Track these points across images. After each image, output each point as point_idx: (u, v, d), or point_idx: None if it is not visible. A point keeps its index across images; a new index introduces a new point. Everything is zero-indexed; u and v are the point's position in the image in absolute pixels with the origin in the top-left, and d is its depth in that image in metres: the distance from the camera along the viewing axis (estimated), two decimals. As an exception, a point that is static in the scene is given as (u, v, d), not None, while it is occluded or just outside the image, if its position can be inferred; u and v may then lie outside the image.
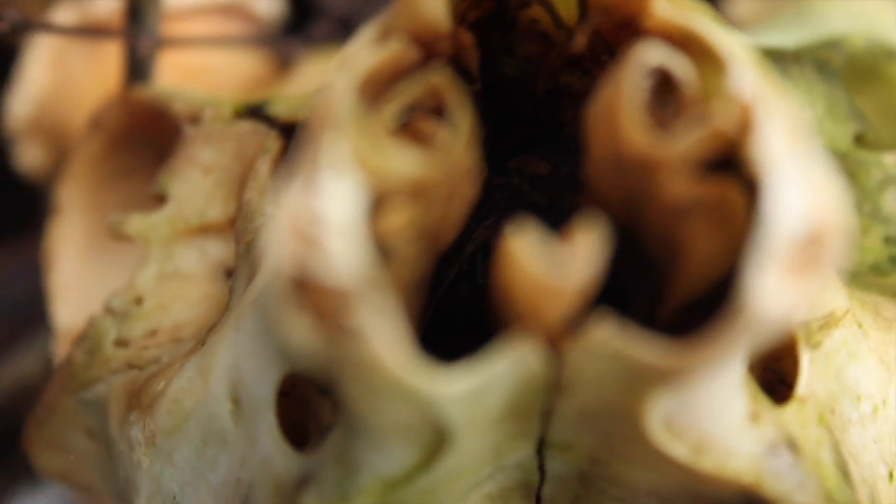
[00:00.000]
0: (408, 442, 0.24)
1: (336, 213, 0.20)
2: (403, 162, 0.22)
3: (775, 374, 0.30)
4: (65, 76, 0.48)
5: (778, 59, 0.35)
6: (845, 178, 0.35)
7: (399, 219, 0.22)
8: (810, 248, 0.21)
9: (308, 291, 0.20)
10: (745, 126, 0.22)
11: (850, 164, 0.35)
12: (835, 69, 0.36)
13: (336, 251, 0.20)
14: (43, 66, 0.48)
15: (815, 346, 0.29)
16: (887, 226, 0.35)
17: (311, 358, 0.22)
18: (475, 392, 0.23)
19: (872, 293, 0.32)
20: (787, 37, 0.42)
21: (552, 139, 0.31)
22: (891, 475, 0.30)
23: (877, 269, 0.34)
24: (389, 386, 0.22)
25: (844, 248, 0.21)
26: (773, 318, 0.21)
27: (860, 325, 0.30)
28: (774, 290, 0.21)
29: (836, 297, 0.30)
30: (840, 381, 0.29)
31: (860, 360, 0.30)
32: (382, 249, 0.22)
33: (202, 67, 0.47)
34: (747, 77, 0.22)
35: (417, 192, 0.22)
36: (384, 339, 0.21)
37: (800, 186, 0.21)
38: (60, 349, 0.39)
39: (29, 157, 0.49)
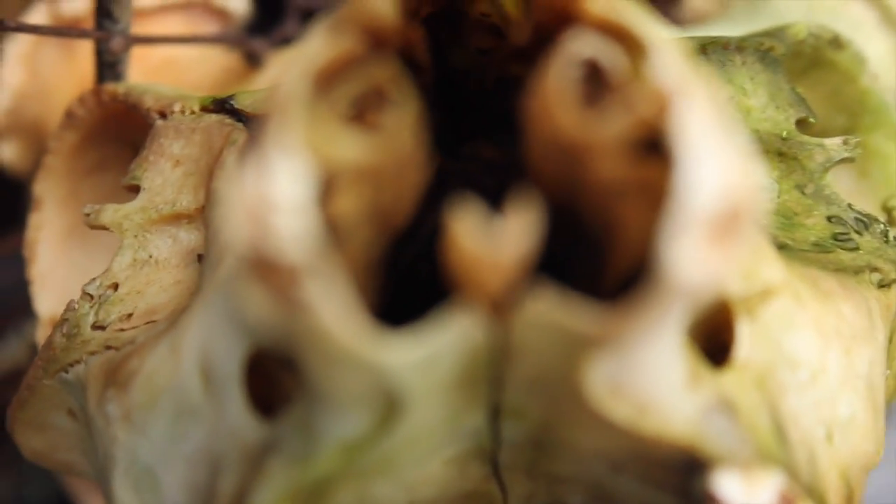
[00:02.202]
0: (363, 408, 0.26)
1: (286, 195, 0.22)
2: (351, 147, 0.24)
3: (718, 346, 0.32)
4: (40, 75, 0.49)
5: (722, 48, 0.36)
6: (789, 162, 0.36)
7: (349, 201, 0.24)
8: (727, 221, 0.23)
9: (262, 269, 0.22)
10: (664, 110, 0.24)
11: (792, 147, 0.36)
12: (777, 58, 0.37)
13: (285, 230, 0.22)
14: (19, 65, 0.49)
15: (753, 316, 0.30)
16: (829, 206, 0.36)
17: (269, 331, 0.24)
18: (424, 360, 0.24)
19: (813, 268, 0.34)
20: (738, 29, 0.43)
21: (502, 126, 0.32)
22: (829, 437, 0.32)
23: (820, 247, 0.35)
24: (341, 355, 0.23)
25: (760, 222, 0.23)
26: (695, 286, 0.23)
27: (798, 297, 0.32)
28: (693, 259, 0.22)
29: (773, 270, 0.31)
30: (778, 349, 0.31)
31: (798, 330, 0.31)
32: (335, 231, 0.24)
33: (173, 63, 0.49)
34: (669, 64, 0.24)
35: (366, 175, 0.24)
36: (333, 310, 0.22)
37: (716, 163, 0.22)
38: (43, 335, 0.41)
39: (8, 154, 0.50)
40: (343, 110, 0.25)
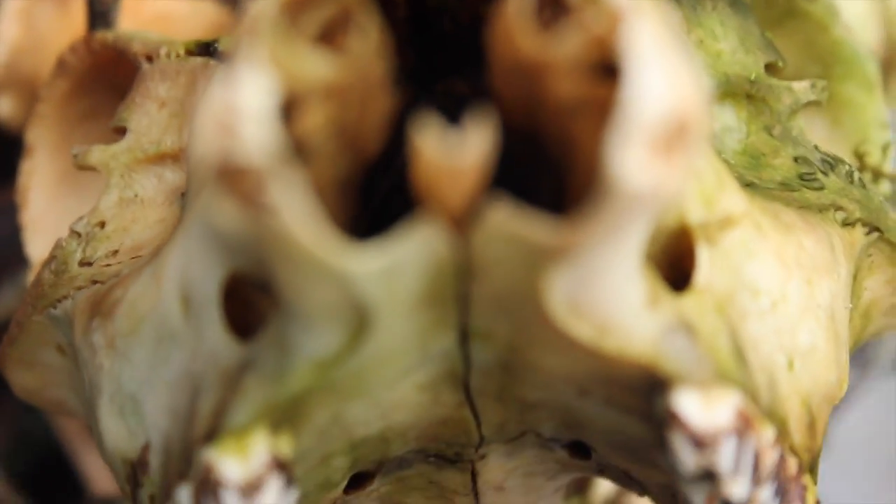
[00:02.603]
0: (333, 324, 0.27)
1: (251, 104, 0.23)
2: (316, 64, 0.25)
3: (681, 275, 0.33)
4: (36, 29, 0.49)
5: None
6: (757, 104, 0.37)
7: (315, 117, 0.25)
8: (673, 131, 0.24)
9: (229, 175, 0.23)
10: (617, 27, 0.25)
11: (760, 89, 0.37)
12: (747, 3, 0.38)
13: (251, 136, 0.23)
14: (14, 20, 0.50)
15: (713, 243, 0.31)
16: (796, 147, 0.37)
17: (240, 242, 0.25)
18: (387, 269, 0.26)
19: (776, 203, 0.35)
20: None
21: (476, 64, 0.34)
22: (790, 364, 0.33)
23: (786, 186, 0.36)
24: (307, 261, 0.25)
25: (705, 135, 0.24)
26: (643, 194, 0.24)
27: (759, 228, 0.33)
28: (640, 168, 0.24)
29: (735, 199, 0.32)
30: (738, 276, 0.32)
31: (759, 259, 0.32)
32: (302, 147, 0.25)
33: (164, 17, 0.50)
34: (620, -15, 0.25)
35: (330, 93, 0.25)
36: (296, 214, 0.23)
37: (661, 76, 0.24)
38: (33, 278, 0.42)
39: (4, 108, 0.51)
40: (311, 33, 0.26)
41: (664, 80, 0.24)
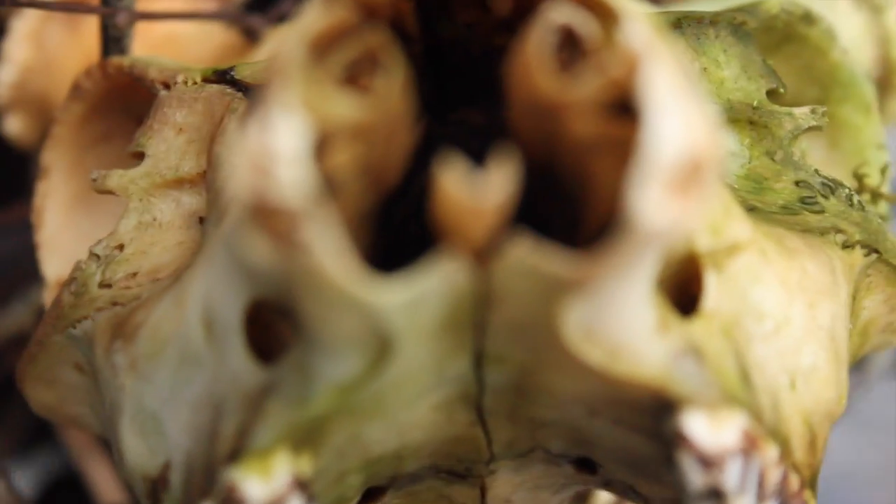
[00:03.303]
0: (356, 351, 0.28)
1: (285, 147, 0.24)
2: (345, 106, 0.26)
3: (688, 300, 0.34)
4: (46, 50, 0.50)
5: (696, 22, 0.38)
6: (759, 129, 0.38)
7: (343, 156, 0.26)
8: (689, 172, 0.25)
9: (263, 214, 0.24)
10: (634, 70, 0.26)
11: (763, 115, 0.38)
12: (749, 31, 0.39)
13: (286, 178, 0.24)
14: (25, 41, 0.50)
15: (720, 269, 0.32)
16: (798, 171, 0.38)
17: (269, 276, 0.26)
18: (411, 301, 0.27)
19: (779, 228, 0.36)
20: (713, 4, 0.45)
21: (488, 94, 0.35)
22: (793, 384, 0.34)
23: (787, 209, 0.37)
24: (335, 295, 0.26)
25: (720, 175, 0.25)
26: (660, 231, 0.25)
27: (764, 253, 0.34)
28: (658, 207, 0.25)
29: (741, 226, 0.33)
30: (744, 301, 0.33)
31: (763, 283, 0.33)
32: (330, 183, 0.26)
33: (173, 39, 0.50)
34: (638, 30, 0.26)
35: (358, 133, 0.26)
36: (329, 251, 0.24)
37: (678, 119, 0.25)
38: (50, 297, 0.43)
39: (15, 126, 0.51)
40: (338, 74, 0.27)
41: (680, 123, 0.25)
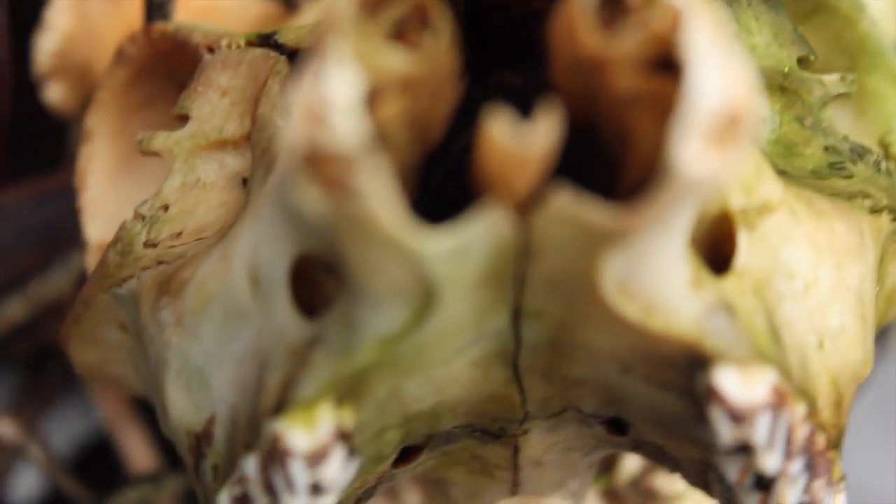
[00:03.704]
0: (400, 301, 0.29)
1: (340, 97, 0.25)
2: (395, 60, 0.27)
3: (721, 259, 0.34)
4: (88, 19, 0.51)
5: None
6: (790, 95, 0.39)
7: (393, 107, 0.27)
8: (727, 124, 0.26)
9: (317, 161, 0.25)
10: (675, 27, 0.27)
11: (793, 82, 0.38)
12: (780, 0, 0.40)
13: (340, 126, 0.25)
14: (67, 10, 0.51)
15: (752, 228, 0.33)
16: (827, 137, 0.38)
17: (319, 225, 0.27)
18: (456, 251, 0.27)
19: (809, 191, 0.37)
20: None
21: (527, 57, 0.35)
22: (821, 344, 0.34)
23: (816, 174, 0.38)
24: (383, 243, 0.27)
25: (757, 128, 0.26)
26: (699, 183, 0.26)
27: (794, 214, 0.34)
28: (697, 158, 0.25)
29: (772, 187, 0.34)
30: (775, 260, 0.33)
31: (793, 243, 0.34)
32: (381, 134, 0.27)
33: (213, 10, 0.51)
34: (678, -12, 0.27)
35: (406, 86, 0.27)
36: (380, 197, 0.25)
37: (718, 73, 0.25)
38: (93, 260, 0.44)
39: (56, 94, 0.52)
40: (387, 30, 0.28)
41: (720, 77, 0.25)
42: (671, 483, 0.49)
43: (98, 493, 0.55)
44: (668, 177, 0.26)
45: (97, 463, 0.63)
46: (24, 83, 0.55)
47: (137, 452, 0.59)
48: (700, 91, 0.25)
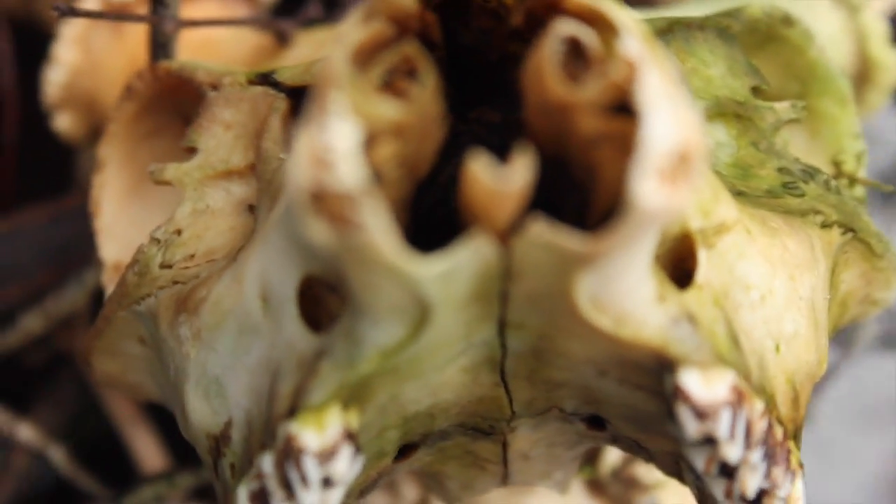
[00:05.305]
0: (398, 318, 0.32)
1: (341, 145, 0.28)
2: (386, 109, 0.30)
3: (684, 274, 0.36)
4: (93, 53, 0.53)
5: (686, 27, 0.40)
6: (744, 122, 0.40)
7: (386, 150, 0.30)
8: (678, 163, 0.29)
9: (322, 199, 0.28)
10: (631, 78, 0.30)
11: (748, 110, 0.41)
12: (734, 34, 0.41)
13: (343, 169, 0.28)
14: (73, 45, 0.53)
15: (710, 246, 0.35)
16: (780, 159, 0.41)
17: (324, 252, 0.30)
18: (447, 274, 0.31)
19: (763, 210, 0.38)
20: (701, 10, 0.48)
21: (504, 95, 0.37)
22: (777, 348, 0.36)
23: (771, 193, 0.40)
24: (383, 268, 0.30)
25: (704, 166, 0.29)
26: (657, 214, 0.29)
27: (749, 232, 0.37)
28: (654, 193, 0.29)
29: (728, 209, 0.36)
30: (732, 274, 0.35)
31: (749, 259, 0.36)
32: (375, 173, 0.31)
33: (210, 43, 0.52)
34: (634, 42, 0.30)
35: (398, 131, 0.30)
36: (379, 229, 0.29)
37: (669, 118, 0.29)
38: (108, 278, 0.46)
39: (65, 123, 0.55)
40: (378, 81, 0.31)
41: (671, 122, 0.29)
42: (650, 472, 0.51)
43: (113, 491, 0.57)
44: (629, 209, 0.29)
45: (109, 464, 0.64)
46: (31, 112, 0.58)
47: (148, 454, 0.61)
48: (654, 135, 0.29)
